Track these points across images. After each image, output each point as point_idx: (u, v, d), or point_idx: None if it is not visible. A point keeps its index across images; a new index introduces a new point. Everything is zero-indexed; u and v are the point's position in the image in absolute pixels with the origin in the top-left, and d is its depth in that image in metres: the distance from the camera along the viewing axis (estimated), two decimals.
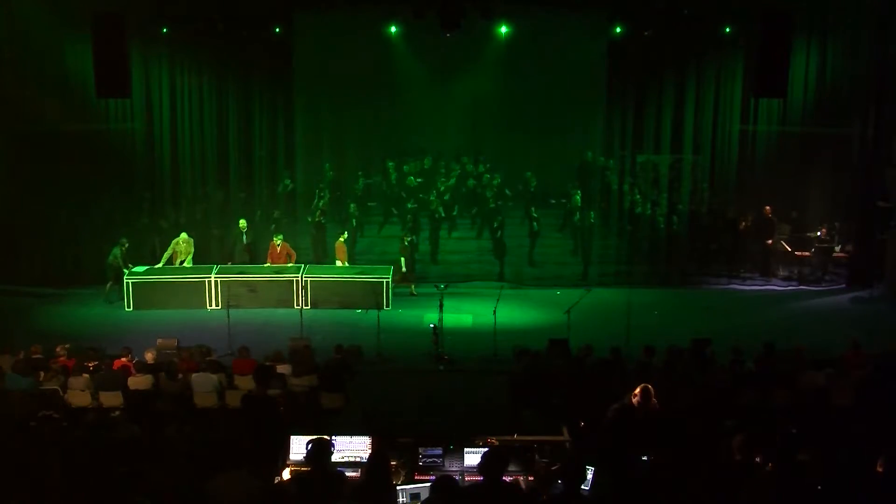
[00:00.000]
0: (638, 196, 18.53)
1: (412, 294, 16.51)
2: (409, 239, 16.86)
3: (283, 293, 15.67)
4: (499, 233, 17.14)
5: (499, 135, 20.67)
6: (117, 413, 9.65)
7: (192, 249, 16.29)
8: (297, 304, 15.49)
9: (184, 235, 16.27)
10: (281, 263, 16.14)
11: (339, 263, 16.54)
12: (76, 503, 6.63)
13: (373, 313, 13.82)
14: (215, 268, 15.90)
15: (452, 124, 20.70)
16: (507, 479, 6.61)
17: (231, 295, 14.81)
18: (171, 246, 16.15)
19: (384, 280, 15.89)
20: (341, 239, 16.68)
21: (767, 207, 18.23)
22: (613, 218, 19.14)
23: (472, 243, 18.97)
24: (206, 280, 15.61)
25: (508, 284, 16.67)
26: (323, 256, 17.64)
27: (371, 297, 14.69)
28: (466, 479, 7.12)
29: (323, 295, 15.84)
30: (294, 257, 16.39)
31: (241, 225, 16.78)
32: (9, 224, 16.53)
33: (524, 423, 8.84)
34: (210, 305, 15.52)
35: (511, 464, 7.13)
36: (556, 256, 18.37)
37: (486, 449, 6.90)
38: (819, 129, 17.08)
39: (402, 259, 16.60)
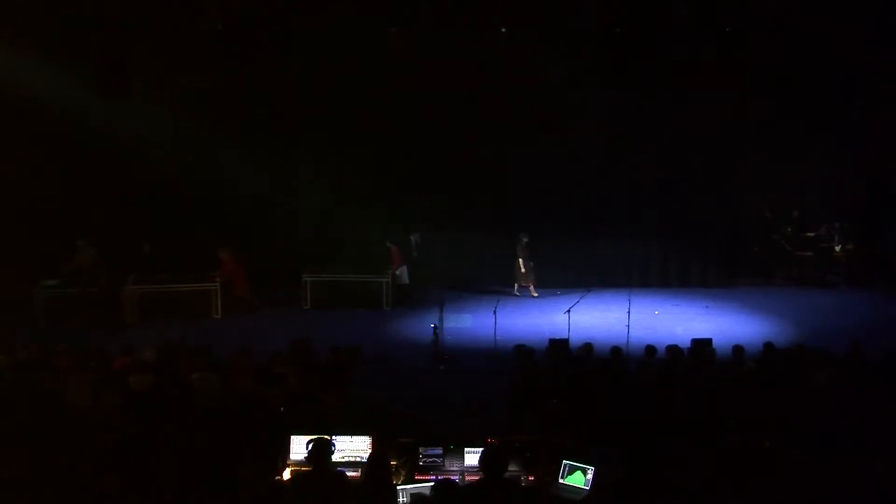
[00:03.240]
0: None
1: (533, 295, 16.85)
2: (525, 239, 16.88)
3: (201, 301, 15.47)
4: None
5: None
6: (117, 413, 9.63)
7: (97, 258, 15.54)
8: (217, 313, 15.47)
9: (80, 243, 15.55)
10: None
11: (396, 270, 16.55)
12: (76, 503, 6.64)
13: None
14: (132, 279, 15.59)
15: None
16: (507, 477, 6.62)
17: (148, 306, 14.82)
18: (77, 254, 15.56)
19: (383, 281, 15.94)
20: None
21: (766, 207, 18.27)
22: None
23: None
24: (122, 292, 15.31)
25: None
26: None
27: (373, 297, 14.79)
28: (466, 478, 7.13)
29: (323, 295, 15.79)
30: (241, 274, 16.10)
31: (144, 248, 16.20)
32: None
33: (524, 423, 8.84)
34: (127, 318, 15.13)
35: (511, 463, 7.13)
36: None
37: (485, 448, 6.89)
38: (819, 128, 17.05)
39: (521, 260, 16.62)
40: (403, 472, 7.32)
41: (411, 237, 17.06)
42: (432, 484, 6.43)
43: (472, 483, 6.69)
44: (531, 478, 7.26)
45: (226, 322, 15.32)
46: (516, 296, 17.08)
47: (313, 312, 15.98)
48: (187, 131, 17.17)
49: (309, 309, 16.17)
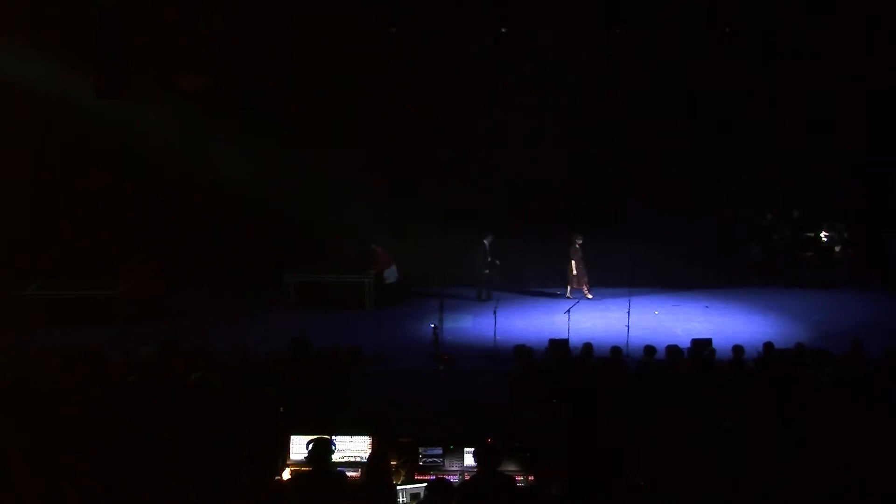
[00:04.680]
0: None
1: (588, 297, 16.81)
2: (580, 241, 16.82)
3: (101, 309, 15.01)
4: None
5: None
6: (115, 413, 9.62)
7: None
8: (117, 322, 14.74)
9: None
10: None
11: (383, 270, 16.65)
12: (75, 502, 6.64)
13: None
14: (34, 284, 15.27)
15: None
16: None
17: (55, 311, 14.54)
18: None
19: (365, 281, 15.99)
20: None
21: (766, 208, 18.27)
22: None
23: None
24: (23, 297, 14.99)
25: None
26: None
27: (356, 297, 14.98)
28: (466, 479, 7.12)
29: (307, 295, 16.01)
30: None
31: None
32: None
33: (524, 423, 8.83)
34: (29, 324, 14.36)
35: (511, 463, 7.13)
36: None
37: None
38: (818, 129, 17.06)
39: (573, 262, 16.65)
40: (403, 472, 7.32)
41: (484, 241, 16.88)
42: (426, 484, 6.46)
43: (467, 479, 6.71)
44: (531, 478, 7.26)
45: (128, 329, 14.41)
46: (568, 298, 16.83)
47: (291, 312, 15.86)
48: (186, 131, 17.24)
49: (292, 308, 16.11)
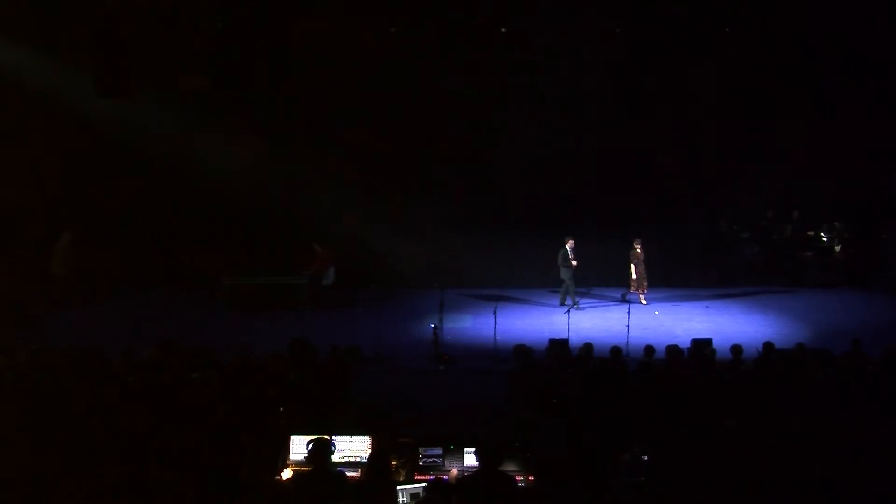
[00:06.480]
0: None
1: (641, 302, 16.60)
2: (639, 245, 16.76)
3: None
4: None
5: None
6: (114, 412, 9.62)
7: None
8: None
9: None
10: None
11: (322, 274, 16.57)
12: (75, 501, 6.64)
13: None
14: None
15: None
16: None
17: None
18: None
19: (300, 283, 16.20)
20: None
21: (766, 208, 18.28)
22: None
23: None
24: None
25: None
26: None
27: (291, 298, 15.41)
28: (466, 475, 7.12)
29: (243, 298, 16.06)
30: None
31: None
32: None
33: (524, 423, 8.83)
34: None
35: (511, 463, 7.13)
36: None
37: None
38: (819, 129, 17.08)
39: (633, 266, 16.60)
40: (403, 472, 7.32)
41: (566, 246, 16.67)
42: (425, 485, 6.45)
43: (467, 476, 6.71)
44: (531, 478, 7.26)
45: None
46: (627, 301, 16.70)
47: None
48: (184, 130, 17.30)
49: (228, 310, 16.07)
